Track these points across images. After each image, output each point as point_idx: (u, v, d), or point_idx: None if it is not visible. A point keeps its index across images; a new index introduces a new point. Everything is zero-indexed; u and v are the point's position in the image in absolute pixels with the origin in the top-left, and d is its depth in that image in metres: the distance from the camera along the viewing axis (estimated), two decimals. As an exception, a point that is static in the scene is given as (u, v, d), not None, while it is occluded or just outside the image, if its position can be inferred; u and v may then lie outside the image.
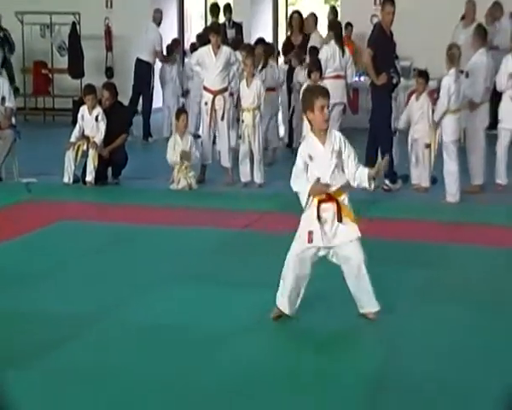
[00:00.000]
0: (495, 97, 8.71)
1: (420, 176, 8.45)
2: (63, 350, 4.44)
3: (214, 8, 12.48)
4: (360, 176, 4.69)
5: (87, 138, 8.81)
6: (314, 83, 8.52)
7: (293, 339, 4.67)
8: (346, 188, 4.75)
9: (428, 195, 8.33)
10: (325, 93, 4.72)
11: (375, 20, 12.39)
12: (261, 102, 8.81)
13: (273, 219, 7.54)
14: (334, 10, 13.06)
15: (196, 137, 9.56)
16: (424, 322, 4.89)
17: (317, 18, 11.23)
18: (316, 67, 8.67)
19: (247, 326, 4.77)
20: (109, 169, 9.01)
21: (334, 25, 9.95)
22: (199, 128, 10.39)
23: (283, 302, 4.81)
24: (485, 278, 5.76)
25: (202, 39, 10.38)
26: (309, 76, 8.71)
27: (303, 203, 4.72)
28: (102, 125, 8.78)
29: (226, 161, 9.07)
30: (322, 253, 4.78)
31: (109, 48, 14.74)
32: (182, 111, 9.14)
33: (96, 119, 8.77)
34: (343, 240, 4.70)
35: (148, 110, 12.31)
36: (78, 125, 8.97)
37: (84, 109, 8.89)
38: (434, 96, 8.72)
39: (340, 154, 4.68)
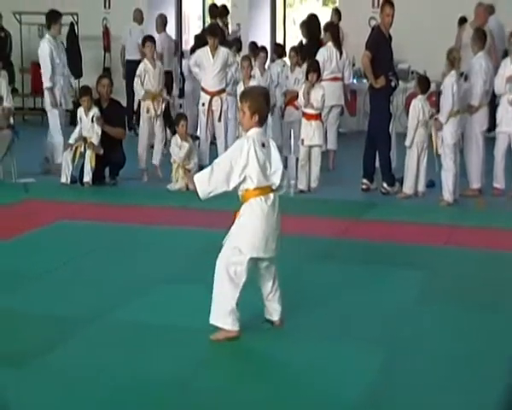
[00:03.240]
0: (494, 101, 8.72)
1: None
2: (58, 351, 4.42)
3: (212, 10, 12.47)
4: None
5: (85, 139, 8.79)
6: (312, 84, 8.53)
7: (283, 337, 4.65)
8: None
9: (425, 198, 8.34)
10: (248, 97, 4.61)
11: (374, 22, 12.44)
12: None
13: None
14: (337, 12, 13.08)
15: (194, 138, 9.56)
16: (420, 324, 4.88)
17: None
18: (313, 68, 8.67)
19: (242, 327, 4.76)
20: (107, 169, 9.00)
21: (330, 26, 9.94)
22: (197, 129, 10.39)
23: None
24: (482, 280, 5.75)
25: (200, 41, 10.39)
26: (306, 77, 8.70)
27: None
28: (98, 127, 8.74)
29: (224, 163, 9.05)
30: None
31: (107, 48, 14.74)
32: (181, 116, 9.07)
33: (92, 119, 8.75)
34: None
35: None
36: (77, 127, 8.95)
37: (81, 111, 8.88)
38: (433, 98, 8.73)
39: None
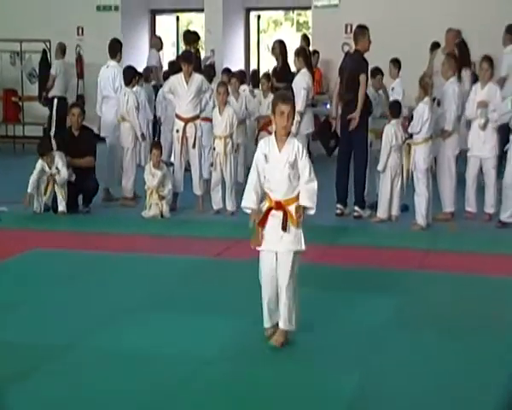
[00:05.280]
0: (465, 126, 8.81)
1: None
2: (33, 379, 4.36)
3: (187, 36, 12.48)
4: (302, 193, 4.76)
5: (52, 177, 8.64)
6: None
7: (264, 366, 4.62)
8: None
9: (399, 222, 8.38)
10: (286, 100, 4.75)
11: (347, 48, 12.57)
12: (233, 130, 8.83)
13: (245, 247, 7.49)
14: (306, 38, 13.22)
15: (169, 164, 9.54)
16: (393, 350, 4.88)
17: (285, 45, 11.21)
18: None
19: (221, 354, 4.73)
20: (80, 197, 8.95)
21: (302, 52, 10.02)
22: (171, 156, 10.38)
23: (264, 316, 4.89)
24: (455, 304, 5.77)
25: (174, 67, 10.40)
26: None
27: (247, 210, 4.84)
28: (63, 170, 8.58)
29: (197, 189, 9.06)
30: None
31: (80, 75, 14.72)
32: (155, 145, 9.02)
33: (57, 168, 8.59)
34: (284, 248, 4.74)
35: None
36: (35, 174, 8.59)
37: (43, 164, 8.62)
38: (406, 124, 8.81)
39: (293, 164, 4.71)
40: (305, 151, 4.77)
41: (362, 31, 8.72)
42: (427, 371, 4.53)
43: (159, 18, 16.57)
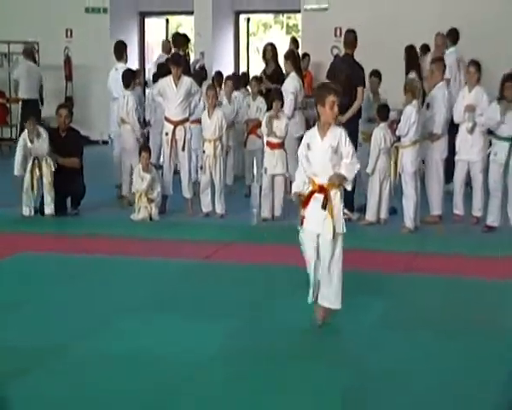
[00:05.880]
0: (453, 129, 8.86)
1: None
2: (26, 381, 4.36)
3: (177, 39, 12.48)
4: (342, 168, 5.05)
5: (38, 164, 8.66)
6: (276, 112, 8.58)
7: (254, 367, 4.63)
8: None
9: (387, 225, 8.41)
10: (337, 91, 5.13)
11: (336, 51, 12.61)
12: (223, 132, 8.84)
13: (234, 249, 7.54)
14: (295, 41, 13.24)
15: (158, 167, 9.53)
16: (393, 348, 4.90)
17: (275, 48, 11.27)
18: (277, 96, 8.72)
19: (211, 356, 4.75)
20: (68, 200, 8.93)
21: (291, 55, 10.05)
22: (160, 159, 10.37)
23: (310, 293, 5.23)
24: (445, 307, 5.81)
25: (163, 70, 10.40)
26: (270, 106, 8.74)
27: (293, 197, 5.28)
28: (44, 145, 8.62)
29: (186, 192, 9.06)
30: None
31: (69, 77, 14.69)
32: (143, 148, 9.01)
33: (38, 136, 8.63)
34: (326, 230, 5.03)
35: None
36: (18, 155, 8.68)
37: (25, 138, 8.70)
38: (394, 126, 8.84)
39: (336, 150, 5.03)
40: (348, 138, 5.10)
41: (354, 35, 8.79)
42: (427, 368, 4.57)
43: (148, 20, 16.55)
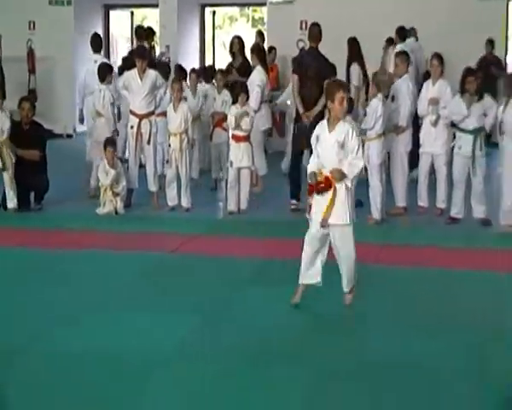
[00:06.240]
0: (417, 122, 8.94)
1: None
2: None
3: (139, 32, 12.37)
4: (345, 165, 5.25)
5: None
6: (241, 106, 8.57)
7: (218, 363, 4.63)
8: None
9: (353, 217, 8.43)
10: (346, 87, 5.44)
11: (301, 44, 12.63)
12: (188, 126, 8.80)
13: (200, 242, 7.52)
14: (260, 34, 13.23)
15: (123, 161, 9.46)
16: (356, 341, 4.93)
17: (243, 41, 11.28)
18: (243, 90, 8.70)
19: (178, 352, 4.72)
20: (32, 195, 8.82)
21: (257, 48, 10.03)
22: (125, 152, 10.30)
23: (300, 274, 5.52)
24: (413, 298, 5.86)
25: (128, 62, 10.31)
26: (236, 99, 8.71)
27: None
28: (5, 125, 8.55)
29: (152, 186, 9.01)
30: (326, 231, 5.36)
31: (32, 70, 14.48)
32: (108, 142, 8.89)
33: None
34: (334, 221, 5.30)
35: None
36: None
37: None
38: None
39: (343, 145, 5.23)
40: (355, 133, 5.30)
41: (318, 29, 8.78)
42: (404, 361, 4.59)
43: (113, 13, 16.40)
